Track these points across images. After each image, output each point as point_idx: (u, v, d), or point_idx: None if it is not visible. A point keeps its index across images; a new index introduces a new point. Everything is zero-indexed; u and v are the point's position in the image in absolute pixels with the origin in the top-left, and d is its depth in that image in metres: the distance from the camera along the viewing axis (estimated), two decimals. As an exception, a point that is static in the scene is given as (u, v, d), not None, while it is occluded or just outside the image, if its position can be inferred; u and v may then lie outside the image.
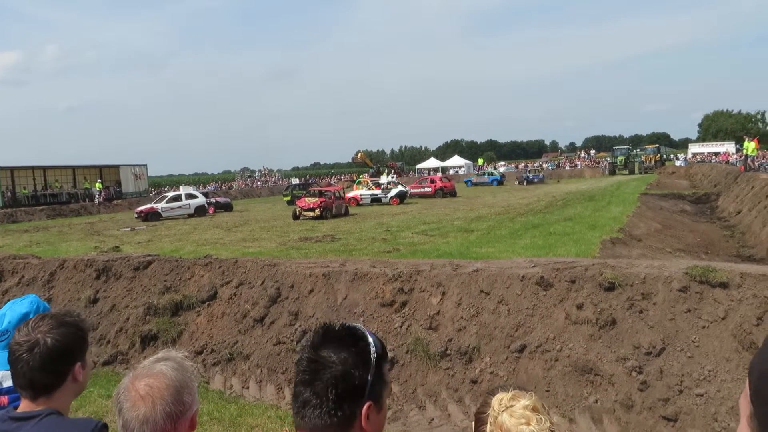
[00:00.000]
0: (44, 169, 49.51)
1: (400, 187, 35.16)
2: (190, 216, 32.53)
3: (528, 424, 1.32)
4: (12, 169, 46.53)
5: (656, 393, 5.42)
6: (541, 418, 1.34)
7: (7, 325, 2.11)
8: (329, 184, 47.71)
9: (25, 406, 1.80)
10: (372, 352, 1.34)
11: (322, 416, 1.29)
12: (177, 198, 33.95)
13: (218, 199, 38.38)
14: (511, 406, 1.36)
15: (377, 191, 34.48)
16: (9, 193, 44.50)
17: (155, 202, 33.76)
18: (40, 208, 40.92)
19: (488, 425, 1.38)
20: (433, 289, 7.12)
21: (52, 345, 1.77)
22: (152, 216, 31.62)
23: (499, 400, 1.39)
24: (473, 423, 1.49)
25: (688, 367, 5.49)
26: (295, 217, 25.98)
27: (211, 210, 34.38)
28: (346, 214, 27.69)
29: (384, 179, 40.51)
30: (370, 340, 1.36)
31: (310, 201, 26.64)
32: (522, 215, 21.40)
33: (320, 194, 28.07)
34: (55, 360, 1.77)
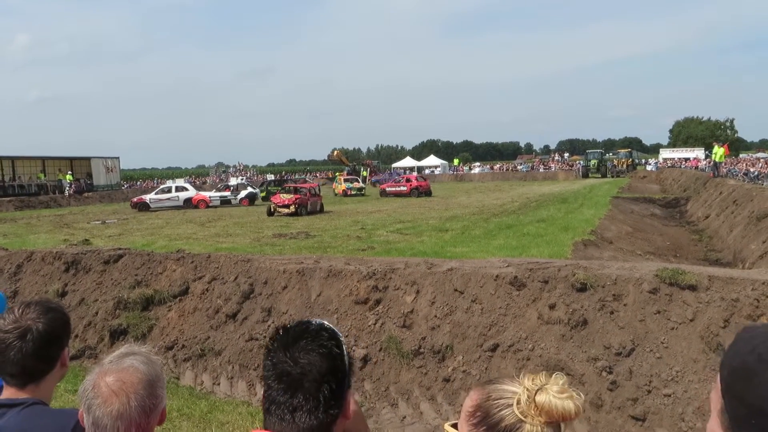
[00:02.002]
0: (12, 159, 48.29)
1: (249, 189, 36.05)
2: (178, 208, 32.83)
3: (572, 398, 1.23)
4: (-22, 159, 45.43)
5: (625, 393, 5.50)
6: (580, 394, 1.26)
7: None
8: (305, 181, 47.34)
9: (9, 393, 1.79)
10: (340, 338, 1.34)
11: (318, 416, 1.27)
12: (167, 190, 34.59)
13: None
14: (546, 384, 1.28)
15: (227, 193, 35.07)
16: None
17: (144, 194, 35.64)
18: (8, 199, 39.92)
19: (519, 407, 1.27)
20: (408, 287, 7.12)
21: (44, 331, 1.78)
22: (142, 206, 32.42)
23: (531, 379, 1.30)
24: (465, 417, 1.33)
25: (656, 367, 5.58)
26: (270, 213, 25.79)
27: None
28: (321, 211, 27.59)
29: (233, 181, 41.08)
30: (328, 326, 1.35)
31: (285, 197, 26.48)
32: (496, 216, 21.56)
33: (295, 191, 27.93)
34: (47, 345, 1.78)
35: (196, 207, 33.05)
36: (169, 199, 33.67)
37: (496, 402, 1.30)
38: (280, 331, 1.34)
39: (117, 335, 7.98)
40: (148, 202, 33.18)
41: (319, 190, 30.67)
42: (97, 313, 8.39)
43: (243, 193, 34.98)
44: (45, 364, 1.80)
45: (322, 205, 28.31)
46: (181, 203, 33.56)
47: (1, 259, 10.17)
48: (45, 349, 1.78)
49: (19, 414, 1.71)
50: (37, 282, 9.43)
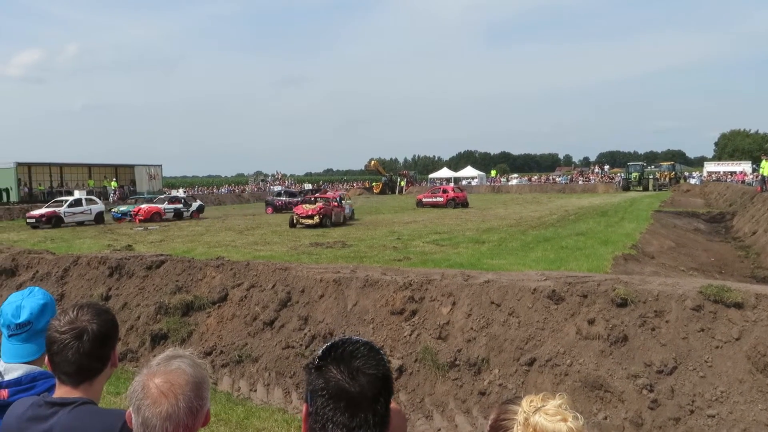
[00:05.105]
0: (60, 166, 50.08)
1: (199, 202, 37.65)
2: (90, 222, 30.96)
3: (565, 421, 1.27)
4: (29, 166, 47.11)
5: (667, 412, 5.36)
6: (577, 416, 1.29)
7: (29, 316, 2.13)
8: (325, 191, 45.77)
9: (63, 392, 1.85)
10: (384, 355, 1.37)
11: (377, 426, 1.30)
12: (77, 203, 31.58)
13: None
14: (544, 405, 1.33)
15: (179, 205, 35.10)
16: (26, 189, 45.02)
17: (57, 207, 30.80)
18: (56, 204, 41.13)
19: (516, 428, 1.35)
20: (444, 298, 7.10)
21: (99, 331, 1.87)
22: (56, 221, 29.23)
23: (529, 401, 1.35)
24: None
25: (700, 387, 5.43)
26: (292, 224, 24.78)
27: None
28: (344, 222, 26.77)
29: (181, 192, 42.88)
30: (373, 344, 1.38)
31: (308, 208, 25.59)
32: (534, 228, 21.31)
33: (318, 201, 27.06)
34: (102, 345, 1.87)
35: (133, 220, 31.15)
36: (82, 212, 30.95)
37: (505, 422, 1.39)
38: (331, 350, 1.34)
39: (158, 340, 8.15)
40: (62, 215, 29.64)
41: (342, 199, 30.11)
42: (139, 317, 8.59)
43: (195, 206, 35.37)
44: (99, 363, 1.88)
45: (345, 216, 27.38)
46: (92, 218, 31.27)
47: (49, 263, 10.51)
48: (99, 349, 1.87)
49: (69, 413, 1.77)
50: (83, 286, 9.71)
